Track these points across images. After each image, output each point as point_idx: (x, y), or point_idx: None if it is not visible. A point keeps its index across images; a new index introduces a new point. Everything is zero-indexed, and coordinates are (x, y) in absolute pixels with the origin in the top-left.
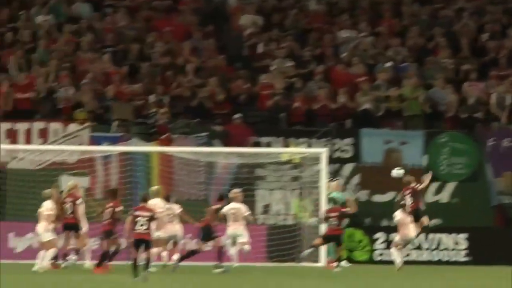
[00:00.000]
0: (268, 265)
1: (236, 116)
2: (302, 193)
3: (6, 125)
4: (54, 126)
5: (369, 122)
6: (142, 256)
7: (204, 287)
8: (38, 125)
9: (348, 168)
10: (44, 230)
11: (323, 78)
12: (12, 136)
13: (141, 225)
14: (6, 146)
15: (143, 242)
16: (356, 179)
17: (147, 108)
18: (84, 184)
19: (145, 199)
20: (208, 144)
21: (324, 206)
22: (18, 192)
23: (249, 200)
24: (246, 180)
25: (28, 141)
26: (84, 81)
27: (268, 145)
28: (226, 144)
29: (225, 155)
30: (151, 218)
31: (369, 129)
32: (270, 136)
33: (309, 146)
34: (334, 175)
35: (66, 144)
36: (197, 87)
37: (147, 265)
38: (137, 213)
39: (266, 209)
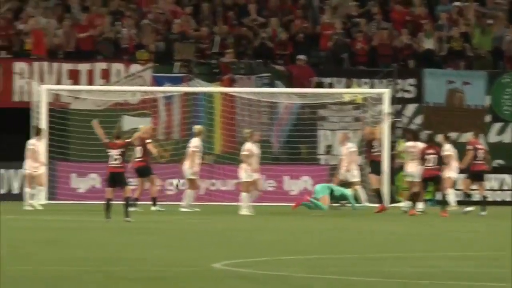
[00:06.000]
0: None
1: (300, 57)
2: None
3: (68, 66)
4: (116, 66)
5: (432, 62)
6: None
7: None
8: (100, 66)
9: (410, 108)
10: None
11: (384, 18)
12: (74, 77)
13: (115, 159)
14: (68, 87)
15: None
16: (418, 119)
17: (210, 49)
18: (146, 124)
19: (117, 137)
20: (271, 84)
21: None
22: (80, 133)
23: (311, 140)
24: (308, 121)
25: (90, 81)
26: (146, 21)
27: (331, 85)
28: (288, 84)
29: (287, 95)
30: (123, 153)
31: (432, 69)
32: (332, 77)
33: (372, 86)
34: (396, 115)
35: (128, 85)
36: (259, 27)
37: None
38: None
39: (328, 149)
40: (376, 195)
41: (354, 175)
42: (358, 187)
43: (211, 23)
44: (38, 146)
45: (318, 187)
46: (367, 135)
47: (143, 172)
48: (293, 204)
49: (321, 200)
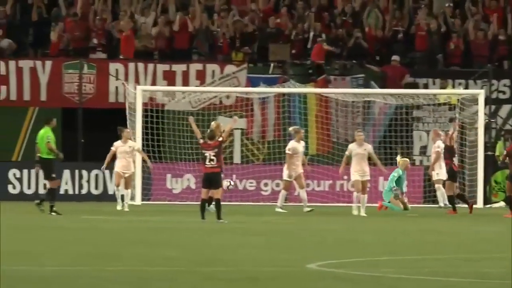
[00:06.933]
0: (424, 206)
1: (394, 57)
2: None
3: (163, 67)
4: (211, 67)
5: None
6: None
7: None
8: (195, 67)
9: (505, 109)
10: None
11: (480, 19)
12: (169, 78)
13: (210, 160)
14: (164, 88)
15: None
16: None
17: (304, 49)
18: (241, 125)
19: (211, 137)
20: (365, 85)
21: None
22: (175, 133)
23: (406, 141)
24: (403, 122)
25: (185, 82)
26: (241, 21)
27: (425, 86)
28: (383, 85)
29: (382, 96)
30: (218, 153)
31: None
32: (427, 77)
33: (466, 87)
34: (491, 116)
35: (223, 86)
36: (353, 27)
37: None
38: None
39: (423, 150)
40: (450, 201)
41: (438, 173)
42: (439, 186)
43: (306, 23)
44: (120, 147)
45: (384, 193)
46: (447, 140)
47: None
48: (378, 205)
49: (393, 203)
